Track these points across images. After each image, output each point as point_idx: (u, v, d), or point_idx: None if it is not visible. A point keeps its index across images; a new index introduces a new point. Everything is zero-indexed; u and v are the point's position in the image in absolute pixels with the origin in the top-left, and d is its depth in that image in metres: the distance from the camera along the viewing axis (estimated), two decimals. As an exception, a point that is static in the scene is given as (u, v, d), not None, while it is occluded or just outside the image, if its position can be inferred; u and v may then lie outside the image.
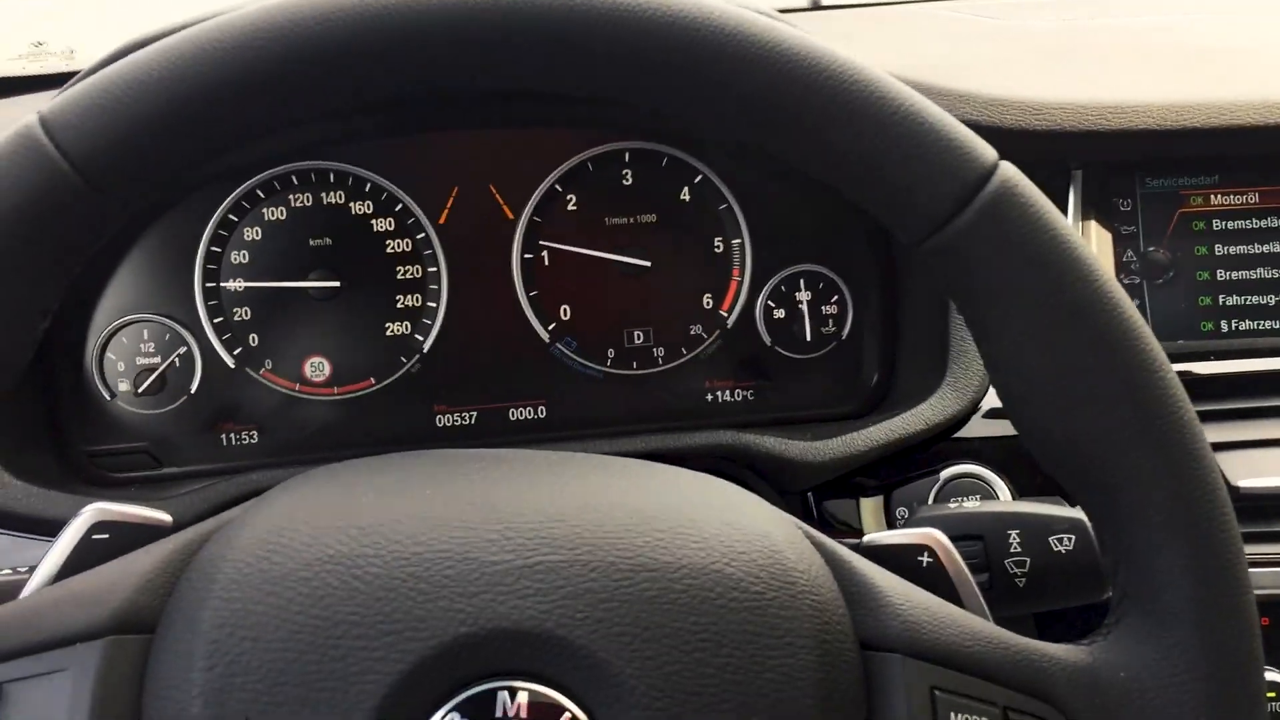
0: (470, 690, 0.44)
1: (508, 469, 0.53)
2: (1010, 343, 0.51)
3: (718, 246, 0.95)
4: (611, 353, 0.94)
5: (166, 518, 0.55)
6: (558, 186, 0.93)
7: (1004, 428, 0.84)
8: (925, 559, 0.56)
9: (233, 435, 0.92)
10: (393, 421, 0.93)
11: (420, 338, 0.93)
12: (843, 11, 1.26)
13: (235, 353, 0.91)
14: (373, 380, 0.93)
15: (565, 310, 0.94)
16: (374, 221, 0.92)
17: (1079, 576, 0.67)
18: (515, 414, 0.94)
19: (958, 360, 0.88)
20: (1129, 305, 0.50)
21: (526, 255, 0.93)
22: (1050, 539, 0.68)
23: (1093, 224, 0.93)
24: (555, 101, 0.87)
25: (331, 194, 0.91)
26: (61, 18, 1.13)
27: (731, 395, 0.96)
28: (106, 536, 0.53)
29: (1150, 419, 0.49)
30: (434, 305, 0.92)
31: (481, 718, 0.44)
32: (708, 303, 0.95)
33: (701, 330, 0.95)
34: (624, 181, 0.94)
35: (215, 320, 0.90)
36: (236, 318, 0.91)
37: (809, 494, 0.91)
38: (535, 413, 0.95)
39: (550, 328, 0.94)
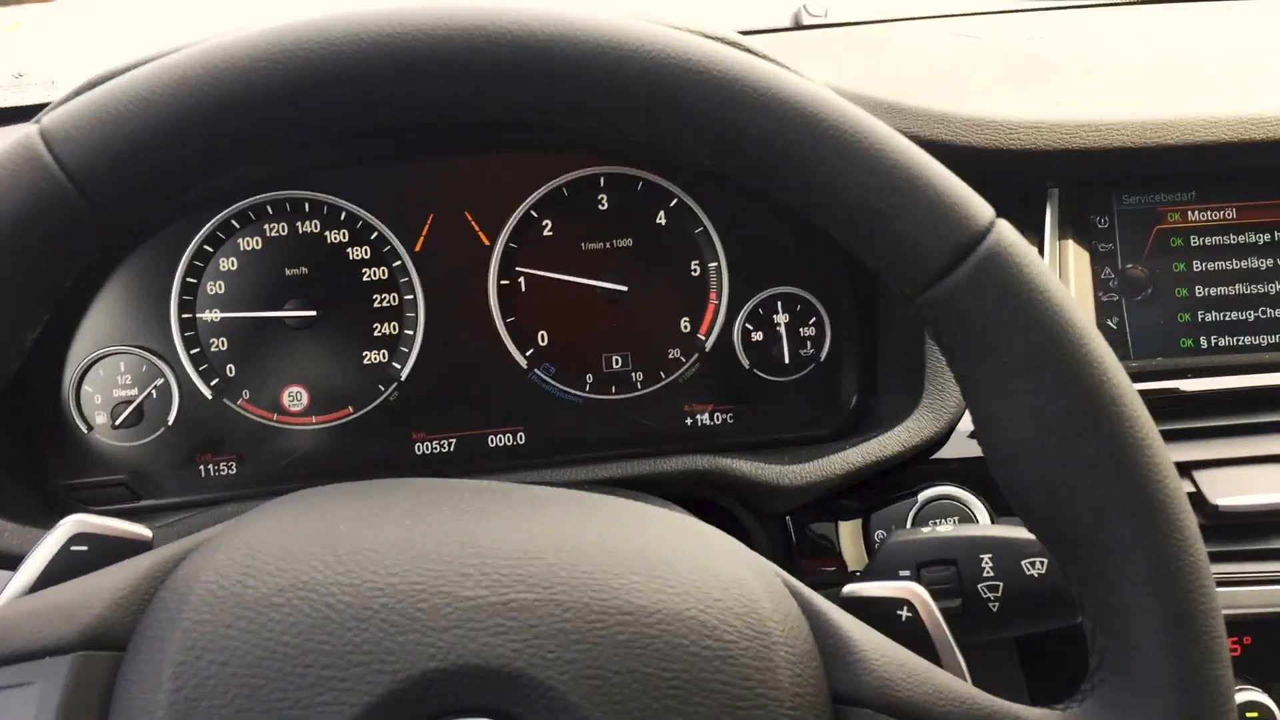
0: None
1: (488, 501, 0.53)
2: (997, 402, 0.50)
3: (694, 270, 0.95)
4: (590, 378, 0.94)
5: (146, 532, 0.55)
6: (533, 212, 0.93)
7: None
8: (905, 613, 0.56)
9: (211, 466, 0.92)
10: (371, 449, 0.93)
11: (398, 365, 0.93)
12: (824, 31, 1.26)
13: (212, 383, 0.91)
14: (351, 409, 0.93)
15: (543, 336, 0.94)
16: (350, 250, 0.92)
17: (1051, 600, 0.67)
18: (494, 440, 0.94)
19: (934, 381, 0.87)
20: (1118, 371, 0.50)
21: (503, 281, 0.93)
22: (1023, 563, 0.68)
23: (1070, 242, 0.93)
24: (529, 128, 0.87)
25: (307, 223, 0.91)
26: (42, 51, 1.13)
27: (710, 419, 0.96)
28: (85, 549, 0.53)
29: (1134, 491, 0.48)
30: (411, 333, 0.92)
31: None
32: (685, 326, 0.95)
33: (680, 354, 0.95)
34: (599, 206, 0.94)
35: (192, 351, 0.90)
36: (213, 348, 0.91)
37: (787, 518, 0.90)
38: (514, 439, 0.94)
39: (528, 354, 0.94)
